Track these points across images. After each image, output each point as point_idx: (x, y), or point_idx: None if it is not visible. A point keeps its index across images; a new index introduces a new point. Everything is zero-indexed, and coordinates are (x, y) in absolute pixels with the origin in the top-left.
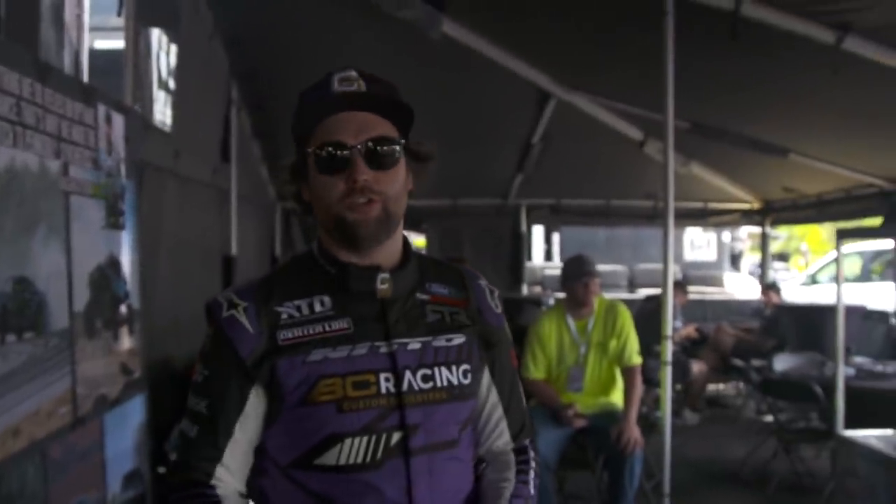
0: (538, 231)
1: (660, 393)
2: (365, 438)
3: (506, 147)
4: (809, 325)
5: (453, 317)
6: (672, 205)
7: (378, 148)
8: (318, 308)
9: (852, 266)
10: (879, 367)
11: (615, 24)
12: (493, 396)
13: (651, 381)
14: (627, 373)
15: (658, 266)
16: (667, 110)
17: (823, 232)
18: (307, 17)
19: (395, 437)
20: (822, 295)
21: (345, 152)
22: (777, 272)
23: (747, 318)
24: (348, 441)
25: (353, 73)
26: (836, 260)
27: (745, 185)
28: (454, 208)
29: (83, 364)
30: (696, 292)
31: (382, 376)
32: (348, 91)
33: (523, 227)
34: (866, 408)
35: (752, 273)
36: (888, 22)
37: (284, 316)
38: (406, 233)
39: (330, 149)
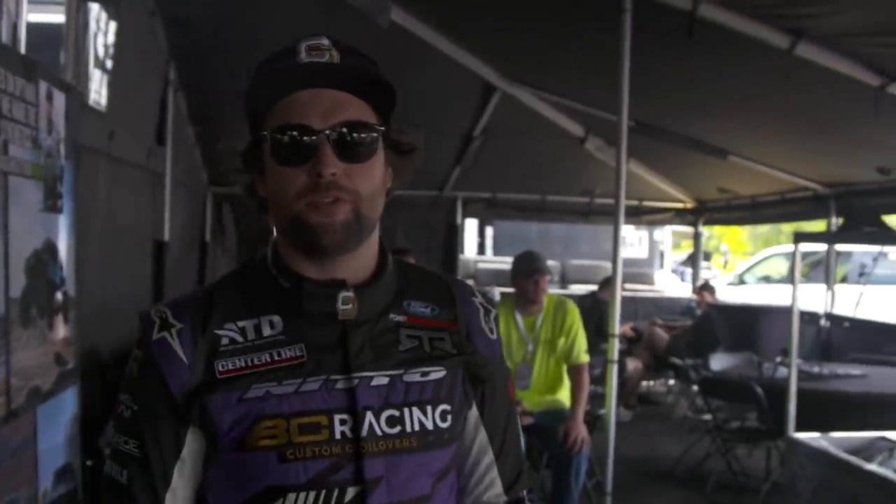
0: (472, 224)
1: (604, 390)
2: (312, 494)
3: (446, 139)
4: (742, 325)
5: (433, 343)
6: (623, 203)
7: (351, 135)
8: (266, 331)
9: (779, 267)
10: (816, 369)
11: (568, 19)
12: (482, 439)
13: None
14: (575, 371)
15: (590, 262)
16: (621, 109)
17: (744, 233)
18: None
19: (350, 493)
20: (749, 295)
21: (309, 138)
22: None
23: (678, 316)
24: (291, 496)
25: (325, 42)
26: (792, 262)
27: (680, 185)
28: (389, 199)
29: (18, 354)
30: (628, 290)
31: (337, 418)
32: (318, 63)
33: (458, 220)
34: (806, 409)
35: (674, 271)
36: (841, 30)
37: (225, 341)
38: None
39: (291, 133)
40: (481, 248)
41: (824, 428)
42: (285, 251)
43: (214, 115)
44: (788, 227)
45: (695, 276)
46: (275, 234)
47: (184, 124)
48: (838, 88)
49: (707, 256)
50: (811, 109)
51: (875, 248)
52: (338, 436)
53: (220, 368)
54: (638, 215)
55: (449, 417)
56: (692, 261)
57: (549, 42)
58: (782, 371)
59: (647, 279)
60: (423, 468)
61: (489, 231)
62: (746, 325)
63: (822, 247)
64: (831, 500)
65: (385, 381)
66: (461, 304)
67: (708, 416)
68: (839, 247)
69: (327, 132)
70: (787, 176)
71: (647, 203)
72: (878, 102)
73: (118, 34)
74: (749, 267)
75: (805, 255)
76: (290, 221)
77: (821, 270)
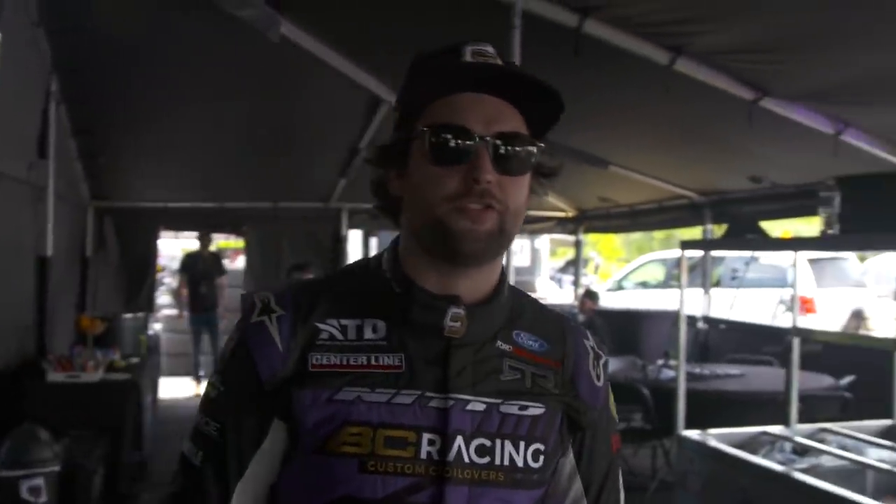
0: (356, 235)
1: None
2: None
3: (332, 151)
4: (624, 329)
5: (535, 380)
6: None
7: (511, 146)
8: (367, 334)
9: (656, 273)
10: (697, 370)
11: (457, 34)
12: (577, 490)
13: None
14: None
15: None
16: None
17: (618, 240)
18: (139, 11)
19: None
20: (628, 300)
21: (470, 142)
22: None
23: None
24: None
25: (491, 49)
26: (679, 268)
27: (561, 194)
28: (274, 211)
29: None
30: None
31: (426, 437)
32: (489, 65)
33: (343, 232)
34: (689, 408)
35: (552, 278)
36: (718, 47)
37: (324, 335)
38: (226, 236)
39: (452, 133)
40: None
41: (707, 425)
42: (408, 256)
43: (96, 128)
44: (661, 234)
45: (576, 283)
46: (399, 236)
47: (65, 137)
48: (714, 102)
49: (584, 263)
50: (689, 121)
51: (746, 254)
52: (423, 455)
53: (314, 361)
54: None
55: (541, 458)
56: (574, 268)
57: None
58: (665, 373)
59: (529, 287)
60: None
61: (373, 242)
62: (628, 330)
63: (697, 252)
64: (720, 492)
65: (481, 407)
66: (571, 344)
67: None
68: (713, 252)
69: (488, 139)
70: (664, 185)
71: (529, 212)
72: (751, 115)
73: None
74: (627, 273)
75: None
76: (433, 224)
77: (697, 275)
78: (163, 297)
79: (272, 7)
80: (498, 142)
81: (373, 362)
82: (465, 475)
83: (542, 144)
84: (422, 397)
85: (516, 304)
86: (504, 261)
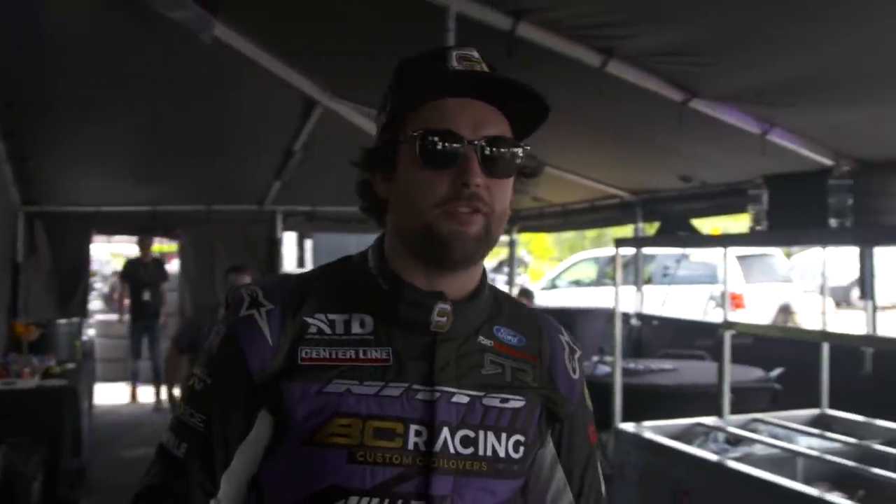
0: (290, 238)
1: None
2: (376, 501)
3: (266, 153)
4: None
5: (515, 373)
6: None
7: (498, 149)
8: (355, 328)
9: (589, 271)
10: (632, 365)
11: (391, 36)
12: (559, 480)
13: None
14: None
15: None
16: None
17: (549, 239)
18: (68, 12)
19: None
20: (562, 298)
21: (458, 146)
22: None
23: None
24: (354, 500)
25: (475, 54)
26: (613, 265)
27: None
28: (208, 214)
29: None
30: None
31: (413, 428)
32: (476, 72)
33: (279, 234)
34: (625, 402)
35: None
36: (649, 50)
37: (312, 329)
38: (160, 239)
39: (441, 138)
40: (301, 262)
41: (642, 419)
42: (394, 255)
43: (25, 131)
44: (592, 233)
45: (511, 283)
46: (382, 234)
47: None
48: (645, 103)
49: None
50: (620, 122)
51: (677, 251)
52: (411, 446)
53: (303, 355)
54: None
55: (522, 449)
56: (509, 267)
57: (371, 58)
58: (601, 368)
59: None
60: (487, 495)
61: (308, 244)
62: (563, 327)
63: (629, 250)
64: (657, 482)
65: (465, 399)
66: (547, 339)
67: None
68: (645, 250)
69: (476, 143)
70: (596, 184)
71: None
72: (681, 116)
73: None
74: (560, 272)
75: (612, 259)
76: (422, 228)
77: (629, 272)
78: (95, 302)
79: (205, 9)
80: (486, 145)
81: (361, 356)
82: (451, 465)
83: (527, 147)
84: (409, 390)
85: (494, 301)
86: None
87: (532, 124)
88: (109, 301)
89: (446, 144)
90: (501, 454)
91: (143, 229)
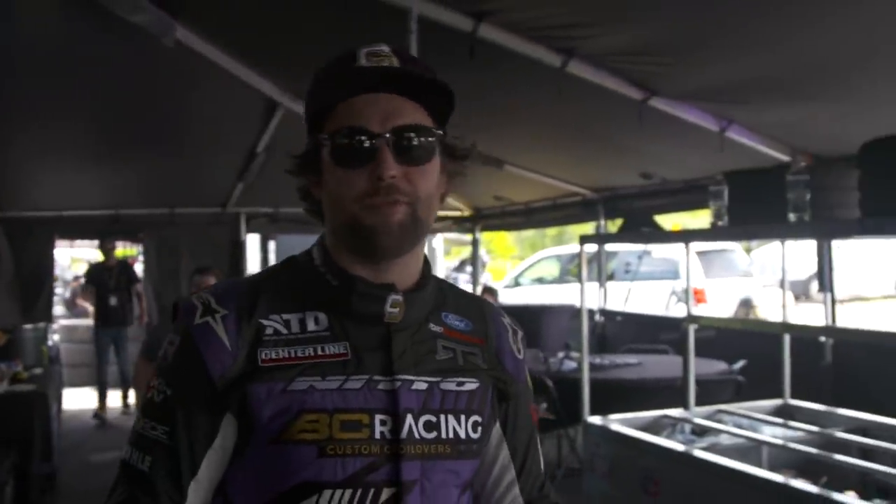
0: (254, 239)
1: None
2: (349, 492)
3: (228, 155)
4: (524, 324)
5: (467, 357)
6: None
7: (410, 138)
8: (311, 326)
9: (551, 269)
10: (597, 360)
11: (353, 37)
12: (504, 457)
13: None
14: None
15: None
16: None
17: (510, 237)
18: (28, 14)
19: (385, 493)
20: (525, 296)
21: (370, 142)
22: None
23: None
24: (327, 493)
25: (385, 49)
26: (577, 262)
27: (457, 194)
28: (171, 217)
29: None
30: None
31: (378, 418)
32: (378, 67)
33: (242, 236)
34: (591, 396)
35: (447, 277)
36: (608, 50)
37: (269, 331)
38: (122, 242)
39: (351, 136)
40: (265, 263)
41: (609, 412)
42: (337, 252)
43: None
44: (553, 231)
45: (474, 281)
46: (324, 233)
47: None
48: (605, 102)
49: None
50: (581, 121)
51: (639, 247)
52: (377, 436)
53: (263, 357)
54: None
55: (479, 429)
56: (472, 266)
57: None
58: (567, 364)
59: None
60: (453, 477)
61: (272, 245)
62: (528, 324)
63: (591, 247)
64: (626, 473)
65: (424, 386)
66: (491, 322)
67: None
68: (607, 246)
69: (387, 135)
70: (558, 183)
71: None
72: (640, 114)
73: None
74: (523, 270)
75: (576, 255)
76: (348, 223)
77: (591, 269)
78: (58, 307)
79: (165, 12)
80: (397, 136)
81: (319, 352)
82: (417, 450)
83: (441, 132)
84: (370, 381)
85: (439, 290)
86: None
87: (447, 110)
88: (71, 306)
89: (355, 141)
90: (462, 435)
91: (103, 233)
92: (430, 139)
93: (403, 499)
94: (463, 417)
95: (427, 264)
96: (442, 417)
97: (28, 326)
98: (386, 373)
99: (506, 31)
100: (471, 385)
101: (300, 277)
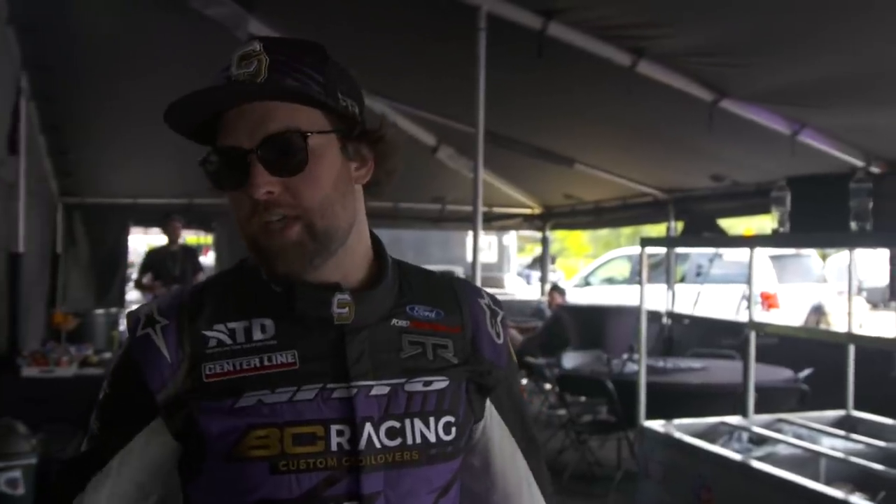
0: None
1: None
2: None
3: None
4: (590, 324)
5: (437, 351)
6: (480, 211)
7: (276, 148)
8: (256, 335)
9: (622, 269)
10: (661, 363)
11: (424, 34)
12: (511, 445)
13: None
14: None
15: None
16: (477, 123)
17: (585, 236)
18: (108, 9)
19: None
20: (595, 296)
21: (241, 159)
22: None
23: (529, 318)
24: None
25: (256, 47)
26: (640, 265)
27: (527, 191)
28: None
29: None
30: None
31: (334, 429)
32: (239, 77)
33: None
34: (653, 401)
35: (520, 274)
36: (678, 50)
37: (213, 342)
38: (195, 231)
39: (216, 160)
40: None
41: (670, 416)
42: None
43: (66, 125)
44: (628, 230)
45: (543, 279)
46: None
47: (35, 134)
48: (675, 103)
49: (552, 260)
50: (651, 122)
51: (711, 250)
52: (334, 447)
53: (207, 372)
54: (488, 221)
55: (453, 430)
56: (540, 264)
57: (403, 55)
58: (630, 366)
59: (497, 283)
60: (423, 483)
61: None
62: (594, 325)
63: (662, 249)
64: (680, 480)
65: (385, 390)
66: (467, 306)
67: (562, 412)
68: (678, 249)
69: (256, 150)
70: (628, 183)
71: (496, 209)
72: (711, 116)
73: None
74: (593, 269)
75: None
76: (250, 243)
77: (661, 271)
78: (132, 293)
79: (240, 6)
80: (265, 148)
81: (266, 363)
82: (379, 460)
83: (317, 128)
84: (324, 390)
85: (404, 279)
86: (470, 257)
87: (345, 89)
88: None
89: (224, 162)
90: (432, 439)
91: (167, 214)
92: (299, 143)
93: None
94: (432, 419)
95: (382, 257)
96: (407, 422)
97: (100, 311)
98: (341, 379)
99: (575, 29)
100: (439, 384)
101: (246, 283)
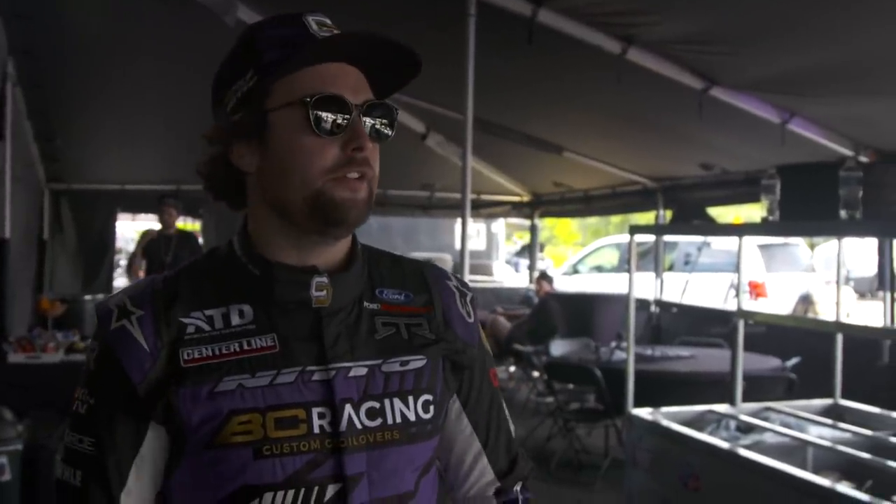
0: None
1: None
2: (291, 493)
3: None
4: (578, 312)
5: (412, 330)
6: (469, 199)
7: (383, 114)
8: (235, 320)
9: (611, 257)
10: (649, 351)
11: (412, 21)
12: (466, 430)
13: None
14: None
15: (430, 254)
16: (466, 111)
17: (574, 224)
18: None
19: (331, 490)
20: (583, 284)
21: (348, 113)
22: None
23: (517, 306)
24: (268, 496)
25: (328, 20)
26: (628, 252)
27: (516, 179)
28: None
29: None
30: (468, 281)
31: (315, 411)
32: (341, 36)
33: None
34: (641, 388)
35: (508, 262)
36: (668, 37)
37: (191, 329)
38: (183, 217)
39: (331, 105)
40: None
41: (658, 404)
42: (261, 236)
43: (53, 111)
44: (616, 219)
45: (532, 267)
46: (245, 218)
47: (22, 119)
48: (665, 91)
49: (540, 248)
50: (641, 110)
51: (699, 239)
52: (316, 430)
53: (186, 357)
54: (477, 208)
55: (432, 408)
56: (529, 252)
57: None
58: (618, 354)
59: (486, 270)
60: (406, 462)
61: None
62: (582, 313)
63: (651, 237)
64: (667, 467)
65: (363, 371)
66: (436, 288)
67: (550, 400)
68: (667, 237)
69: (361, 107)
70: (618, 171)
71: (485, 196)
72: (701, 104)
73: None
74: (582, 257)
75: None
76: (313, 196)
77: (650, 259)
78: (120, 279)
79: None
80: (371, 110)
81: (245, 347)
82: (361, 441)
83: (397, 108)
84: (303, 373)
85: (372, 263)
86: (459, 244)
87: (395, 85)
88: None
89: (338, 111)
90: (412, 418)
91: (161, 198)
92: (394, 118)
93: (349, 494)
94: (411, 399)
95: (354, 241)
96: (386, 402)
97: (87, 297)
98: (320, 362)
99: (565, 16)
100: (417, 363)
101: (222, 269)
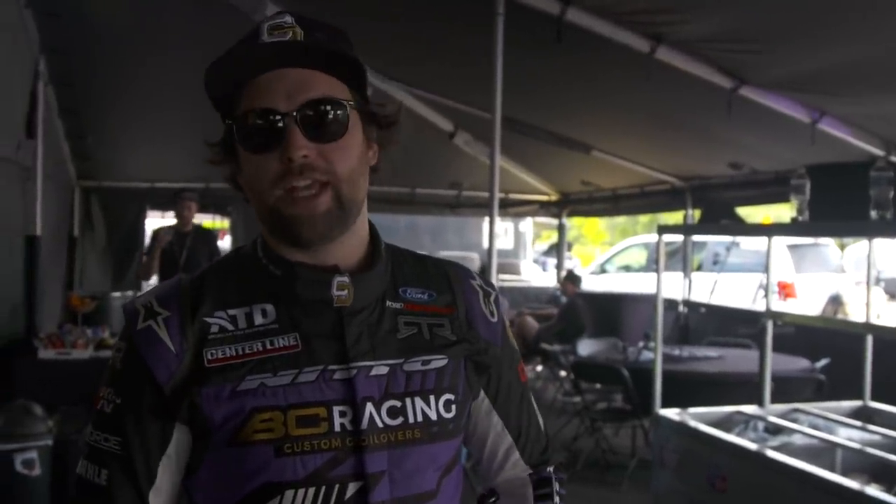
0: None
1: None
2: (311, 490)
3: None
4: (606, 312)
5: (433, 331)
6: (497, 197)
7: (319, 113)
8: (258, 320)
9: (639, 257)
10: (676, 352)
11: (441, 20)
12: (497, 426)
13: None
14: None
15: (458, 253)
16: (494, 109)
17: (602, 223)
18: None
19: (351, 488)
20: (611, 283)
21: (276, 121)
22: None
23: (545, 305)
24: (289, 493)
25: (288, 19)
26: (656, 252)
27: (544, 178)
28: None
29: None
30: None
31: (336, 410)
32: (279, 42)
33: None
34: (668, 389)
35: (536, 261)
36: (697, 36)
37: (215, 328)
38: (212, 216)
39: (256, 118)
40: None
41: (685, 405)
42: (270, 240)
43: (83, 109)
44: (645, 218)
45: (559, 266)
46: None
47: (53, 117)
48: (694, 90)
49: (568, 247)
50: (670, 109)
51: (728, 239)
52: (337, 428)
53: (210, 357)
54: (505, 207)
55: (453, 407)
56: (556, 251)
57: (421, 41)
58: (646, 354)
59: (513, 269)
60: (428, 461)
61: None
62: (610, 312)
63: (679, 237)
64: (695, 468)
65: (385, 370)
66: (459, 287)
67: (577, 399)
68: (695, 237)
69: (294, 113)
70: (646, 170)
71: (513, 195)
72: (730, 103)
73: None
74: (610, 257)
75: (666, 244)
76: (269, 213)
77: (678, 259)
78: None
79: None
80: (305, 112)
81: (268, 346)
82: (382, 440)
83: (357, 101)
84: (325, 371)
85: (396, 262)
86: (486, 243)
87: (361, 76)
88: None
89: (261, 123)
90: (433, 417)
91: (177, 192)
92: (341, 111)
93: (370, 492)
94: (432, 398)
95: (377, 240)
96: (407, 401)
97: (116, 294)
98: (341, 361)
99: (593, 15)
100: (438, 363)
101: (245, 269)
